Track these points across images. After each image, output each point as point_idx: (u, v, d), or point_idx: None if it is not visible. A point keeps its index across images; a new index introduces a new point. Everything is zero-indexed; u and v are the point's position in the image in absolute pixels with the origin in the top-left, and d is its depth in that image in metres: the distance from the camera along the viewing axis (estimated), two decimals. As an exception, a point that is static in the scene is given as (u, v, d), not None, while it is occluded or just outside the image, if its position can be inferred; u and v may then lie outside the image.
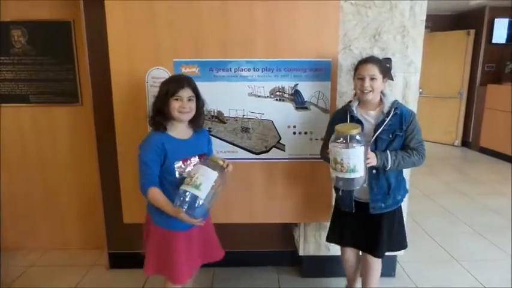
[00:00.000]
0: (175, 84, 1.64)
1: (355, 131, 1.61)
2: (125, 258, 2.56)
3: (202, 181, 1.54)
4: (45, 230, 2.81)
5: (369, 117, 1.80)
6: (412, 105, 2.23)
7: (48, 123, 2.65)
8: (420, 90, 6.13)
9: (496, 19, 6.02)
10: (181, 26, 2.02)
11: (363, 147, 1.61)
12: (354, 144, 1.60)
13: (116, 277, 2.52)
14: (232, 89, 2.09)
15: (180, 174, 1.66)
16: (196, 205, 1.53)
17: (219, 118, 2.13)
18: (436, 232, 3.22)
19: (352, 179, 1.64)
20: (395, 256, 2.50)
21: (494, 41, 6.08)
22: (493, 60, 6.24)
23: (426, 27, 2.32)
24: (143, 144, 1.66)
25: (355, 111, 1.80)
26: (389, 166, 1.72)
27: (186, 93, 1.64)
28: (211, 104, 2.10)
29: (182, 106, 1.64)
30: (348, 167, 1.60)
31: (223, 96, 2.09)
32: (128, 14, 2.01)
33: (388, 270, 2.51)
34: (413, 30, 2.13)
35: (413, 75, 2.20)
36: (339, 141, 1.62)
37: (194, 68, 2.07)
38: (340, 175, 1.64)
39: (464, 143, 6.67)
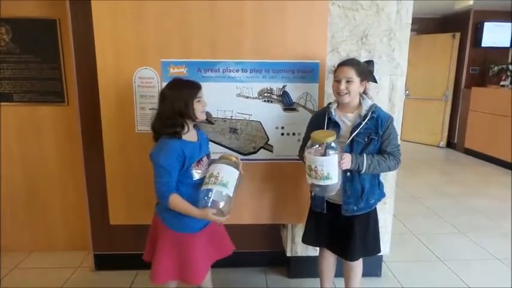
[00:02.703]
0: (193, 87, 1.67)
1: (330, 138, 1.62)
2: (110, 260, 2.54)
3: (228, 179, 1.61)
4: (30, 231, 2.76)
5: (347, 119, 1.81)
6: (398, 107, 2.27)
7: (33, 123, 2.60)
8: (407, 92, 6.24)
9: (481, 23, 6.13)
10: (169, 26, 2.01)
11: (337, 155, 1.63)
12: (330, 152, 1.61)
13: (102, 279, 2.49)
14: (220, 89, 2.08)
15: (195, 176, 1.69)
16: (225, 203, 1.59)
17: (207, 119, 2.12)
18: (421, 232, 3.27)
19: (327, 186, 1.65)
20: (381, 256, 2.53)
21: (480, 44, 6.19)
22: (478, 63, 6.36)
23: (413, 30, 2.36)
24: (162, 151, 1.62)
25: (333, 114, 1.81)
26: (363, 170, 1.72)
27: (202, 93, 1.70)
28: (199, 105, 2.10)
29: (203, 106, 1.71)
30: (321, 174, 1.62)
31: (211, 97, 2.06)
32: (115, 13, 1.99)
33: (374, 270, 2.54)
34: (400, 33, 2.16)
35: (399, 77, 2.23)
36: (314, 148, 1.64)
37: (182, 68, 2.06)
38: (315, 182, 1.66)
39: (449, 145, 6.79)
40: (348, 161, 1.69)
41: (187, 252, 1.72)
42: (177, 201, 1.62)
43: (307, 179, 1.71)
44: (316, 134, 1.68)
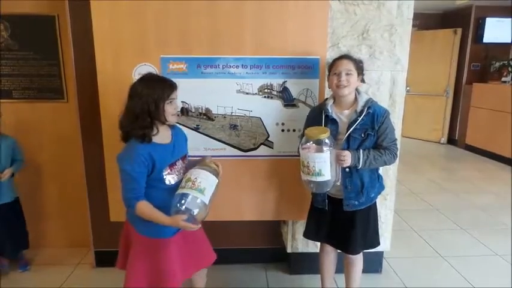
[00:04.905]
0: (166, 87, 1.54)
1: (324, 135, 1.62)
2: (111, 256, 2.51)
3: (206, 185, 1.51)
4: (30, 229, 2.75)
5: (343, 116, 1.80)
6: (399, 103, 2.25)
7: (32, 120, 2.60)
8: (408, 88, 6.21)
9: (483, 18, 6.09)
10: (169, 22, 2.00)
11: (329, 152, 1.62)
12: (324, 148, 1.61)
13: (102, 275, 2.49)
14: (220, 86, 2.08)
15: (169, 181, 1.60)
16: (199, 210, 1.48)
17: (207, 115, 2.11)
18: (422, 229, 3.27)
19: (320, 182, 1.66)
20: (381, 252, 2.52)
21: (482, 40, 6.16)
22: (479, 59, 6.33)
23: (414, 25, 2.34)
24: (127, 155, 1.54)
25: (330, 111, 1.81)
26: (360, 166, 1.72)
27: (175, 94, 1.59)
28: (199, 101, 2.09)
29: (175, 108, 1.60)
30: (313, 170, 1.62)
31: (211, 93, 2.08)
32: (114, 10, 1.98)
33: (375, 267, 2.54)
34: (401, 29, 2.14)
35: (400, 73, 2.21)
36: (308, 144, 1.64)
37: (182, 64, 2.05)
38: (308, 178, 1.67)
39: (451, 141, 6.77)
40: (348, 159, 1.69)
41: (162, 258, 1.65)
42: (144, 208, 1.53)
43: (301, 175, 1.72)
44: (310, 131, 1.68)
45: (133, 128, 1.53)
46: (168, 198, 1.52)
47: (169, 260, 1.66)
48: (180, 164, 1.66)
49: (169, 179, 1.60)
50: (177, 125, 1.79)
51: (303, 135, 1.96)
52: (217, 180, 1.58)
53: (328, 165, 1.63)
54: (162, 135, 1.60)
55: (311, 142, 1.64)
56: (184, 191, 1.50)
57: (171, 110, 1.57)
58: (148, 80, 1.56)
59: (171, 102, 1.56)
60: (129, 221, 1.69)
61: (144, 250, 1.66)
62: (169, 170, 1.60)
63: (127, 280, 1.68)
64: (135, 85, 1.55)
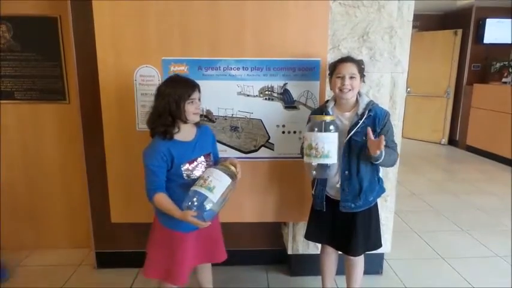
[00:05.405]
0: (187, 87, 1.62)
1: (330, 117, 1.68)
2: (112, 258, 2.55)
3: (216, 184, 1.56)
4: (32, 229, 2.77)
5: (344, 118, 1.80)
6: (400, 104, 2.26)
7: (34, 121, 2.61)
8: (408, 89, 6.22)
9: (483, 19, 6.10)
10: (170, 24, 2.01)
11: (336, 134, 1.65)
12: (330, 129, 1.64)
13: (103, 277, 2.50)
14: (221, 88, 2.08)
15: (187, 176, 1.67)
16: (207, 208, 1.53)
17: (208, 117, 2.12)
18: (423, 230, 3.27)
19: (326, 165, 1.66)
20: (382, 254, 2.53)
21: (482, 41, 6.16)
22: (480, 60, 6.34)
23: (414, 27, 2.34)
24: (149, 151, 1.64)
25: (330, 113, 1.81)
26: (381, 159, 1.69)
27: (197, 94, 1.66)
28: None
29: (197, 108, 1.66)
30: (322, 152, 1.63)
31: (212, 95, 2.08)
32: (116, 11, 1.99)
33: (375, 268, 2.54)
34: (401, 31, 2.15)
35: (400, 74, 2.22)
36: (315, 128, 1.66)
37: (183, 66, 2.06)
38: (315, 160, 1.66)
39: (451, 142, 6.77)
40: (382, 144, 1.61)
41: (175, 251, 1.72)
42: (161, 200, 1.62)
43: (306, 160, 1.70)
44: (316, 115, 1.73)
45: (156, 125, 1.63)
46: (186, 193, 1.59)
47: (183, 256, 1.72)
48: (201, 161, 1.71)
49: (188, 174, 1.67)
50: (209, 127, 1.88)
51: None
52: (230, 181, 1.61)
53: (336, 147, 1.64)
54: (184, 133, 1.68)
55: (316, 130, 1.65)
56: (195, 188, 1.56)
57: (192, 110, 1.64)
58: (172, 80, 1.67)
59: (192, 102, 1.63)
60: (154, 210, 1.78)
61: (160, 239, 1.76)
62: (188, 166, 1.66)
63: (145, 266, 1.79)
64: (160, 85, 1.66)
